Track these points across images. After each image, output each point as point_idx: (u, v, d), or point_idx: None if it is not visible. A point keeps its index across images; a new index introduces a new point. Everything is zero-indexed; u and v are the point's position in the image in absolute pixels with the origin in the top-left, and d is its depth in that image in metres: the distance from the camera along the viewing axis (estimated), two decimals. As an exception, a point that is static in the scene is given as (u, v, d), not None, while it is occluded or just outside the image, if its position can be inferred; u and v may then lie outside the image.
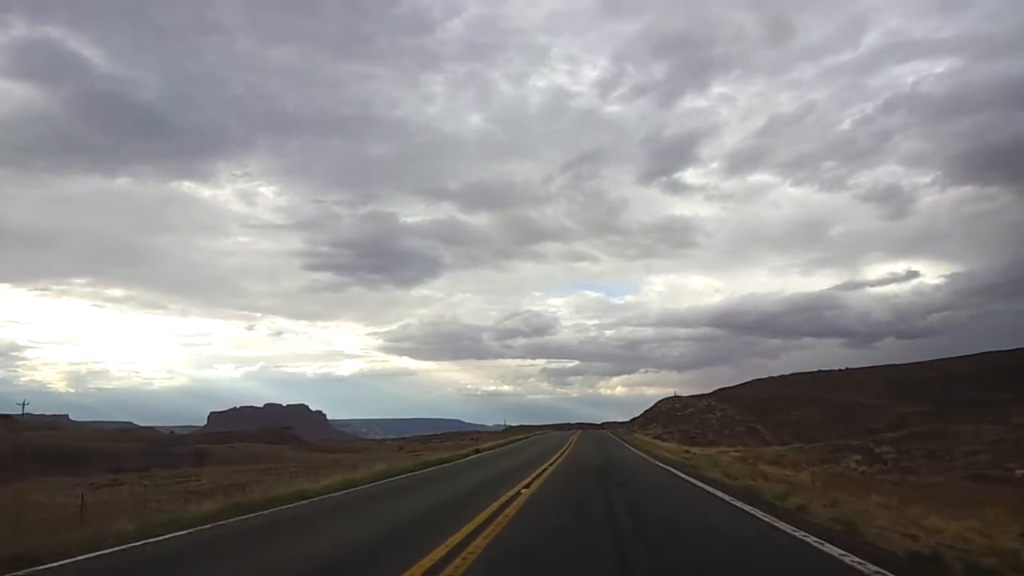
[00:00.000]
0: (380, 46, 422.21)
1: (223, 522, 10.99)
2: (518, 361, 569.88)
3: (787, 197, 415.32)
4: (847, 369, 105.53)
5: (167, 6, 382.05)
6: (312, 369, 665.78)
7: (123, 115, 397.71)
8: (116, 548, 8.60)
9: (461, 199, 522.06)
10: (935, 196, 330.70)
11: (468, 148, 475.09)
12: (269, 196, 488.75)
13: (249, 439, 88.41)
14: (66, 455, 50.52)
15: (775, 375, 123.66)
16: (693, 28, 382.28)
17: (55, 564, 7.63)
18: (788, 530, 9.29)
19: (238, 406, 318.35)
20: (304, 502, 13.96)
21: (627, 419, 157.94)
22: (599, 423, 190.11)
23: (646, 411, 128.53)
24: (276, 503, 13.44)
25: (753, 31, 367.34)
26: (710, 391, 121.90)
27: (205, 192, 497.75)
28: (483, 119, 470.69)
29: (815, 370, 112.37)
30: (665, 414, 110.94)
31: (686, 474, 20.80)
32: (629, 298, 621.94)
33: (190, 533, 9.88)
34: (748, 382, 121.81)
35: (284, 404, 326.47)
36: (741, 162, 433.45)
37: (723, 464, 25.48)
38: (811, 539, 8.45)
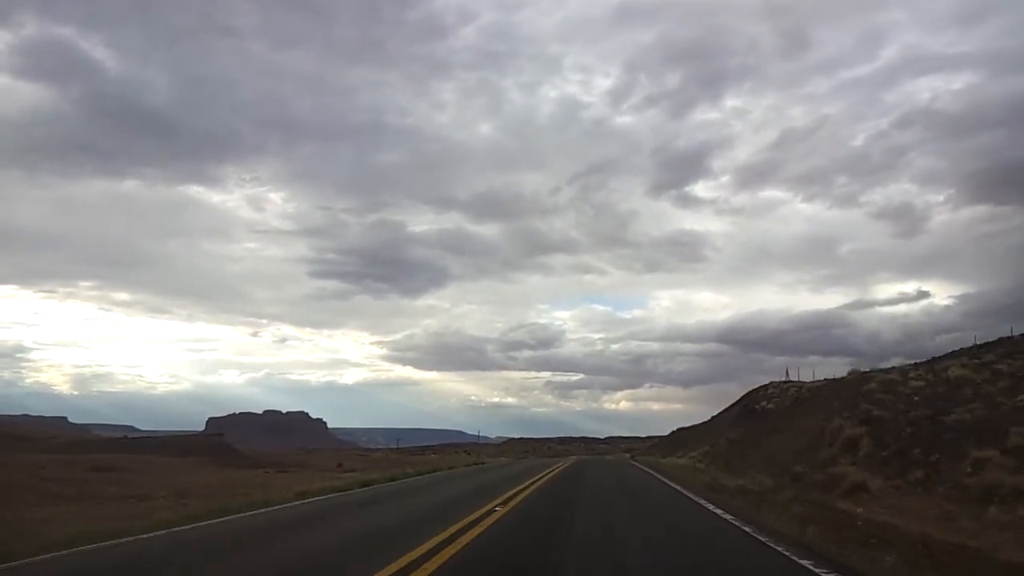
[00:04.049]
0: (392, 52, 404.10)
1: None
2: (523, 373, 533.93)
3: (797, 213, 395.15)
4: None
5: (179, 8, 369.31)
6: (316, 377, 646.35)
7: (132, 117, 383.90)
8: None
9: (469, 209, 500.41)
10: (948, 215, 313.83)
11: (477, 157, 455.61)
12: (277, 202, 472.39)
13: (173, 448, 71.20)
14: None
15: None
16: (707, 38, 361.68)
17: None
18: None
19: (237, 412, 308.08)
20: None
21: (666, 432, 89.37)
22: (602, 437, 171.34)
23: (725, 410, 62.84)
24: None
25: (768, 43, 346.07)
26: (841, 374, 54.17)
27: (213, 197, 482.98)
28: (493, 128, 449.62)
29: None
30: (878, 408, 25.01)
31: None
32: (636, 312, 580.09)
33: None
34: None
35: (284, 411, 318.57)
36: (752, 176, 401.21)
37: None
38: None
